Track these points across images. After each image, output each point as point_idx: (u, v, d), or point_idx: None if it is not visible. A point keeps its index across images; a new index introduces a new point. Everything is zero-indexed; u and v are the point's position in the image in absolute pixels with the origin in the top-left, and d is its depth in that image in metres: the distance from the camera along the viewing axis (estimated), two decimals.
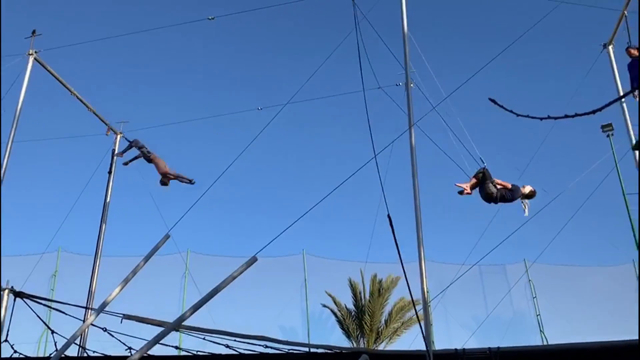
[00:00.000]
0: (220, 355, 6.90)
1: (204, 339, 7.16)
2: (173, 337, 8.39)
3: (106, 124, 12.45)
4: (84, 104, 11.58)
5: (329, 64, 11.35)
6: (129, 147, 10.97)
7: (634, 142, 10.37)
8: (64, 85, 11.13)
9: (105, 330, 6.68)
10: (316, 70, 10.49)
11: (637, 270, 20.29)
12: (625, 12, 10.11)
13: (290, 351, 7.12)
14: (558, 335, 18.98)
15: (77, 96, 11.34)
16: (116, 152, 11.42)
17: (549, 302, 20.36)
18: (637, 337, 6.18)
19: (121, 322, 6.66)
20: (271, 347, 7.10)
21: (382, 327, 19.06)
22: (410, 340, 18.58)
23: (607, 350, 6.44)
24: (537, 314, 20.21)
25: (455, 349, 7.08)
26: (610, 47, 11.08)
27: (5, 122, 10.09)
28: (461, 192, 9.23)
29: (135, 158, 10.89)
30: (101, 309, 6.34)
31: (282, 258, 21.82)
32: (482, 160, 9.37)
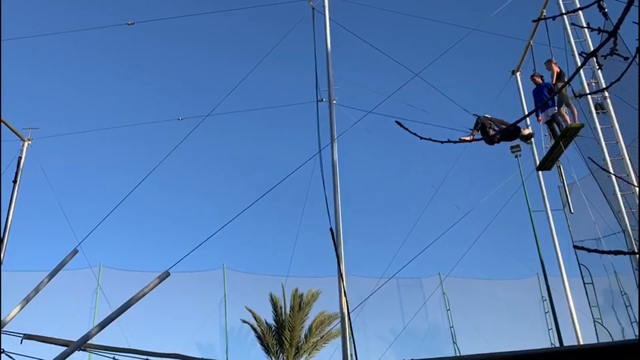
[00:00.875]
0: None
1: (113, 358, 6.83)
2: (81, 358, 7.92)
3: (12, 130, 11.67)
4: None
5: (256, 74, 11.37)
6: None
7: (537, 163, 11.12)
8: None
9: (3, 352, 6.20)
10: (240, 82, 10.46)
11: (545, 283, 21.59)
12: (532, 42, 10.89)
13: None
14: (470, 345, 19.86)
15: None
16: None
17: (461, 314, 21.25)
18: (543, 347, 6.56)
19: (21, 342, 6.22)
20: None
21: (302, 342, 19.03)
22: (329, 354, 18.73)
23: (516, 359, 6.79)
24: (451, 325, 21.02)
25: None
26: (518, 74, 11.88)
27: None
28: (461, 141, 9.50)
29: None
30: None
31: (201, 273, 21.35)
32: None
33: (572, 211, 12.33)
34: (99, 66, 30.49)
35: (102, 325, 5.41)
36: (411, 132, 1.70)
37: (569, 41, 9.10)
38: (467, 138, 9.43)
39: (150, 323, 18.02)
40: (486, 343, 19.14)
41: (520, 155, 20.03)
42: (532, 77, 10.25)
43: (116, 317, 5.42)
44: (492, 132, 9.44)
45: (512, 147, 20.07)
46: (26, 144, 11.92)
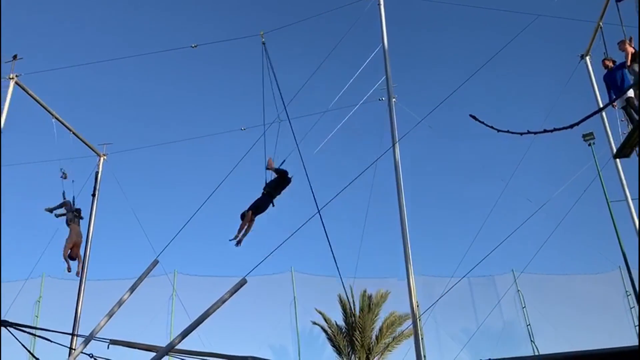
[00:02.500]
0: None
1: None
2: None
3: (89, 146, 12.35)
4: (66, 127, 11.48)
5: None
6: (60, 205, 10.92)
7: (614, 150, 10.52)
8: (46, 109, 11.04)
9: (92, 357, 6.55)
10: (301, 88, 10.57)
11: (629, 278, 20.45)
12: (601, 24, 10.31)
13: None
14: (549, 344, 19.02)
15: (59, 119, 11.24)
16: (47, 207, 11.08)
17: (538, 311, 20.41)
18: (629, 344, 6.21)
19: (108, 347, 6.55)
20: None
21: (373, 343, 18.91)
22: (401, 355, 18.50)
23: (599, 358, 6.45)
24: (527, 324, 20.23)
25: None
26: (587, 58, 11.28)
27: None
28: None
29: (62, 215, 10.89)
30: (89, 340, 6.22)
31: (270, 276, 21.67)
32: None
33: None
34: (166, 83, 31.74)
35: (185, 333, 5.61)
36: (487, 125, 1.64)
37: None
38: None
39: (224, 327, 18.48)
40: (566, 341, 18.26)
41: (594, 143, 19.05)
42: (603, 61, 9.71)
43: (198, 325, 5.61)
44: None
45: (584, 135, 19.10)
46: (102, 159, 12.58)
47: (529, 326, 20.11)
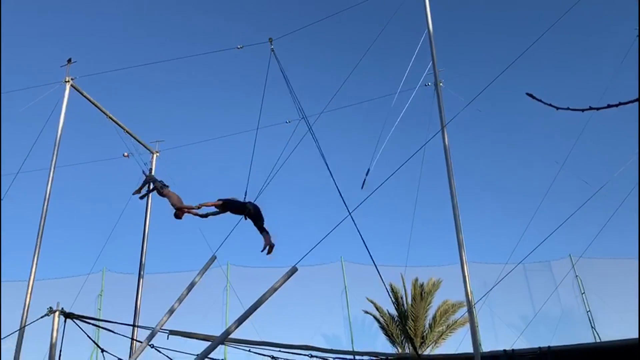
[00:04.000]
0: None
1: (249, 351, 7.20)
2: (218, 351, 8.44)
3: (142, 144, 12.73)
4: (120, 126, 11.87)
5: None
6: (145, 182, 10.93)
7: None
8: (100, 110, 11.45)
9: (152, 347, 6.78)
10: (348, 76, 10.52)
11: None
12: None
13: (336, 359, 7.09)
14: (611, 331, 18.31)
15: (113, 119, 11.64)
16: (134, 191, 10.92)
17: (599, 297, 19.70)
18: None
19: (167, 338, 6.76)
20: (316, 357, 7.09)
21: (426, 332, 18.75)
22: (456, 343, 18.25)
23: None
24: (587, 310, 19.58)
25: (504, 350, 6.92)
26: None
27: (46, 148, 10.44)
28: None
29: (149, 192, 10.93)
30: (154, 334, 6.44)
31: (320, 266, 21.82)
32: None
33: None
34: (214, 81, 32.32)
35: (240, 320, 5.72)
36: (545, 103, 1.57)
37: None
38: None
39: (277, 317, 18.76)
40: (631, 328, 17.55)
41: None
42: None
43: (252, 312, 5.71)
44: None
45: None
46: (155, 155, 12.95)
47: (589, 312, 19.45)
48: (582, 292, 19.80)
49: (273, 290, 6.22)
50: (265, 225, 8.96)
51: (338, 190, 8.36)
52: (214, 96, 32.67)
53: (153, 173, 12.67)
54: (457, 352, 8.88)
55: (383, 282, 8.34)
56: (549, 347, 6.69)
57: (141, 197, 10.99)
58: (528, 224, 12.37)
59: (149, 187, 10.92)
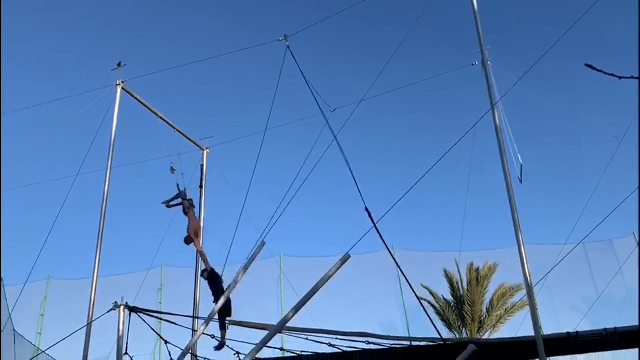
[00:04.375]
0: (324, 354, 6.97)
1: (306, 339, 7.28)
2: (276, 339, 8.58)
3: (192, 141, 13.01)
4: (170, 125, 12.16)
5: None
6: (176, 196, 11.10)
7: None
8: (150, 110, 11.76)
9: (212, 337, 6.97)
10: (385, 66, 10.39)
11: None
12: None
13: (393, 346, 7.07)
14: None
15: (163, 118, 11.93)
16: (163, 201, 11.18)
17: None
18: None
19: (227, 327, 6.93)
20: (373, 343, 7.10)
21: (484, 316, 18.46)
22: (515, 327, 17.85)
23: None
24: None
25: (568, 333, 6.72)
26: None
27: (101, 150, 10.83)
28: None
29: (177, 205, 11.13)
30: (210, 318, 6.61)
31: (372, 254, 21.79)
32: None
33: None
34: (256, 74, 32.62)
35: (297, 308, 5.79)
36: (606, 73, 1.48)
37: None
38: None
39: (332, 305, 18.90)
40: None
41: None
42: None
43: (308, 300, 5.76)
44: None
45: None
46: (205, 152, 13.22)
47: None
48: None
49: (327, 277, 6.25)
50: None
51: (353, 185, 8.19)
52: (256, 91, 33.02)
53: (204, 171, 12.99)
54: (517, 336, 8.66)
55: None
56: (615, 328, 6.44)
57: (168, 206, 11.24)
58: (587, 202, 11.93)
59: (177, 200, 11.20)
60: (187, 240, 10.57)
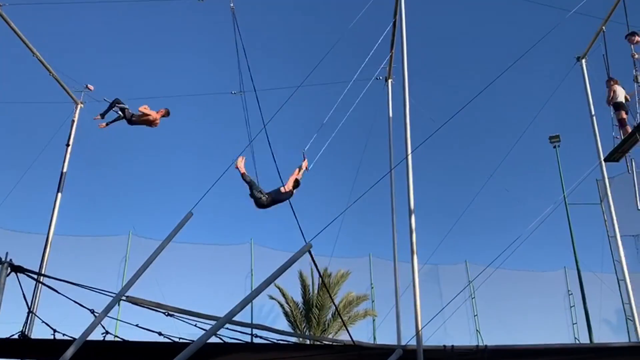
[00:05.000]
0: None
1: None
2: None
3: (67, 92, 11.55)
4: (46, 67, 10.65)
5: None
6: (110, 107, 9.34)
7: (602, 153, 10.81)
8: (26, 45, 10.17)
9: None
10: (320, 61, 10.21)
11: None
12: (604, 28, 10.48)
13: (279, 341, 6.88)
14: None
15: (39, 58, 10.40)
16: (95, 116, 9.32)
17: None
18: None
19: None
20: (260, 336, 6.84)
21: (329, 321, 19.05)
22: (356, 334, 18.70)
23: None
24: (475, 313, 21.02)
25: (444, 346, 7.08)
26: (583, 61, 11.48)
27: None
28: None
29: (116, 119, 9.57)
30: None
31: (229, 246, 21.39)
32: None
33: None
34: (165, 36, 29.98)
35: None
36: None
37: None
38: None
39: (185, 289, 18.25)
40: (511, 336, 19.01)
41: (559, 146, 19.68)
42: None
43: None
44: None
45: (551, 138, 19.69)
46: (79, 106, 11.82)
47: (475, 316, 20.73)
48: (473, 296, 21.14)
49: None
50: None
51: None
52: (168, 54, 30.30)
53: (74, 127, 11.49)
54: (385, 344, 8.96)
55: None
56: (485, 345, 6.96)
57: (105, 125, 9.45)
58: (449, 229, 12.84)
59: (116, 113, 9.46)
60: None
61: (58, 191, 11.01)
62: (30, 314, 6.20)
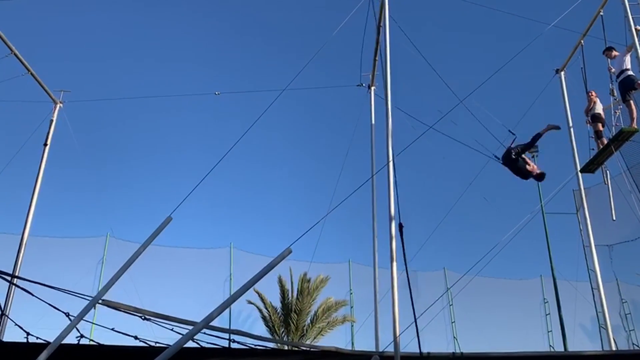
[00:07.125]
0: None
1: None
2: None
3: (46, 91, 11.37)
4: (25, 65, 10.47)
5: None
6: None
7: (578, 164, 11.00)
8: (5, 43, 9.99)
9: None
10: (305, 65, 10.22)
11: None
12: (582, 42, 10.70)
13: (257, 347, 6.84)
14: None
15: (17, 55, 10.22)
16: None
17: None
18: None
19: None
20: (238, 342, 6.79)
21: (307, 326, 19.01)
22: (334, 340, 18.76)
23: None
24: (452, 320, 21.18)
25: (420, 353, 7.11)
26: (562, 73, 11.70)
27: None
28: None
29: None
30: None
31: (208, 250, 21.24)
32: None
33: (586, 215, 12.33)
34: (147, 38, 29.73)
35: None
36: None
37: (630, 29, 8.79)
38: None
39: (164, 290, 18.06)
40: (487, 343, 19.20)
41: (537, 156, 19.99)
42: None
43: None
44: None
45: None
46: (58, 106, 11.64)
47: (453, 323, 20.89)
48: (451, 304, 21.30)
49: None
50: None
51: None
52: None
53: (52, 127, 11.36)
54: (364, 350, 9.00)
55: None
56: (462, 352, 7.02)
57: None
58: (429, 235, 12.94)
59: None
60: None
61: (34, 191, 10.83)
62: (3, 316, 6.07)
